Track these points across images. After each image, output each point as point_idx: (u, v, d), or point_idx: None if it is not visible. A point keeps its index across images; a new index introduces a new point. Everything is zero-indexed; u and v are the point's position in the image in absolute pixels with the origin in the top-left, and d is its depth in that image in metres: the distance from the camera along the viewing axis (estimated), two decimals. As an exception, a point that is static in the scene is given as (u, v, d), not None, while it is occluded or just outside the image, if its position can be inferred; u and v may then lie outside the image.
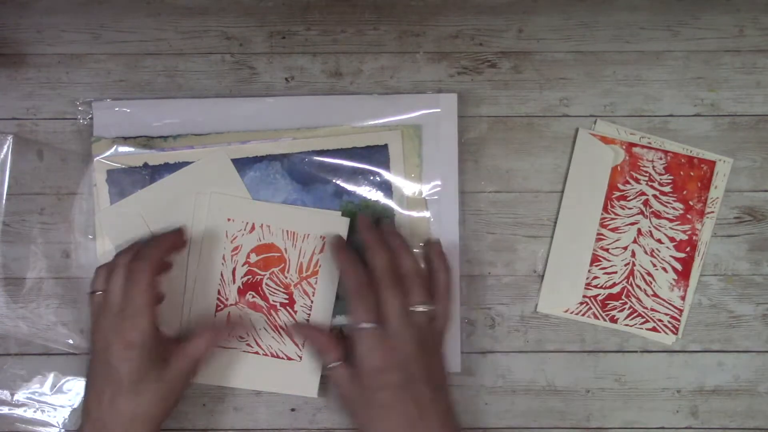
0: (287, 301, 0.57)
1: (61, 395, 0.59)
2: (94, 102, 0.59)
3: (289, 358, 0.57)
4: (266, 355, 0.57)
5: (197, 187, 0.58)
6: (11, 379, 0.59)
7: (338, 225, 0.57)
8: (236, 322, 0.57)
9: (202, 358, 0.53)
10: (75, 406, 0.59)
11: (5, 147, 0.59)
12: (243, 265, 0.57)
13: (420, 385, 0.50)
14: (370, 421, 0.50)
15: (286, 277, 0.57)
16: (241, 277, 0.57)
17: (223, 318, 0.57)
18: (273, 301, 0.57)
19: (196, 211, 0.57)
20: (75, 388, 0.59)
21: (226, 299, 0.57)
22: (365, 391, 0.50)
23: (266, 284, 0.57)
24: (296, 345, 0.57)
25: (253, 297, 0.57)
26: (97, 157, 0.58)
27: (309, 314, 0.57)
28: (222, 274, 0.57)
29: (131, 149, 0.58)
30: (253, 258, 0.57)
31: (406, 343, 0.50)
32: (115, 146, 0.58)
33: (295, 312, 0.57)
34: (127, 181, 0.58)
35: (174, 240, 0.55)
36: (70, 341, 0.59)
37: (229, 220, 0.56)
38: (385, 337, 0.50)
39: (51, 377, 0.59)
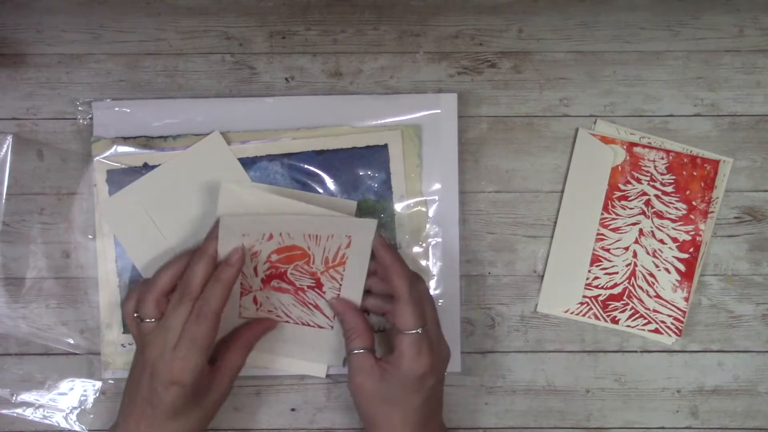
0: (314, 284, 0.55)
1: (61, 395, 0.59)
2: (94, 102, 0.59)
3: (321, 327, 0.56)
4: (297, 323, 0.56)
5: (195, 171, 0.58)
6: (11, 379, 0.59)
7: (365, 227, 0.52)
8: (261, 321, 0.56)
9: (238, 371, 0.54)
10: (75, 405, 0.59)
11: (5, 147, 0.59)
12: (264, 263, 0.54)
13: (441, 387, 0.54)
14: (385, 415, 0.51)
15: (311, 267, 0.54)
16: (264, 272, 0.54)
17: (247, 322, 0.56)
18: (299, 284, 0.55)
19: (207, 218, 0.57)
20: (75, 388, 0.59)
21: (250, 287, 0.55)
22: (395, 389, 0.50)
23: (291, 274, 0.54)
24: (327, 317, 0.56)
25: (279, 283, 0.55)
26: (97, 157, 0.58)
27: (338, 294, 0.55)
28: (243, 272, 0.53)
29: (131, 149, 0.58)
30: (275, 257, 0.54)
31: (443, 349, 0.53)
32: (115, 146, 0.58)
33: (324, 292, 0.55)
34: (127, 181, 0.58)
35: (236, 275, 0.52)
36: (70, 341, 0.59)
37: (244, 235, 0.52)
38: (429, 342, 0.51)
39: (51, 377, 0.59)
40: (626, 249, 0.60)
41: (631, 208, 0.60)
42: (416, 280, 0.53)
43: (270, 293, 0.55)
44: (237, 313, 0.56)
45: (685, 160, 0.60)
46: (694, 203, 0.60)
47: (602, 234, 0.60)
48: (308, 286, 0.55)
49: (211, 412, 0.52)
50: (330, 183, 0.58)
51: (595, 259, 0.60)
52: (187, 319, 0.49)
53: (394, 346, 0.51)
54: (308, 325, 0.56)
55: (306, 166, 0.58)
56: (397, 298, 0.51)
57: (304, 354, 0.57)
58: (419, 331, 0.50)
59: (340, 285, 0.54)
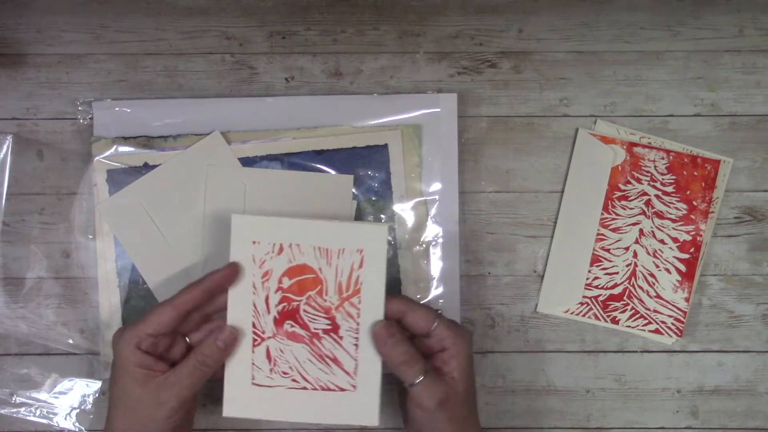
0: (330, 327, 0.51)
1: (61, 395, 0.59)
2: (94, 102, 0.59)
3: (342, 389, 0.51)
4: (315, 389, 0.52)
5: (195, 171, 0.58)
6: (11, 379, 0.59)
7: (376, 236, 0.51)
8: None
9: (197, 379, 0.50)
10: (75, 405, 0.59)
11: (5, 147, 0.59)
12: (276, 292, 0.51)
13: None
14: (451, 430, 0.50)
15: (325, 300, 0.51)
16: (276, 306, 0.51)
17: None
18: (314, 328, 0.51)
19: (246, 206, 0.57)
20: (75, 388, 0.59)
21: (263, 332, 0.51)
22: (457, 403, 0.50)
23: (304, 310, 0.51)
24: (347, 373, 0.51)
25: (292, 326, 0.51)
26: (97, 157, 0.58)
27: (356, 338, 0.51)
28: (255, 305, 0.51)
29: (131, 149, 0.58)
30: (286, 282, 0.51)
31: (466, 336, 0.53)
32: (115, 146, 0.58)
33: (341, 338, 0.51)
34: (127, 181, 0.58)
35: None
36: (70, 341, 0.59)
37: (254, 243, 0.50)
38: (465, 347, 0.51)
39: (51, 377, 0.59)
40: (626, 249, 0.60)
41: (631, 208, 0.60)
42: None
43: (284, 343, 0.51)
44: (249, 378, 0.52)
45: (686, 160, 0.60)
46: (694, 203, 0.60)
47: (602, 234, 0.60)
48: (324, 330, 0.51)
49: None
50: (330, 183, 0.58)
51: (596, 259, 0.60)
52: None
53: (441, 364, 0.50)
54: (327, 389, 0.52)
55: (306, 167, 0.58)
56: (426, 319, 0.50)
57: (331, 419, 0.52)
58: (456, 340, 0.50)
59: (358, 325, 0.51)
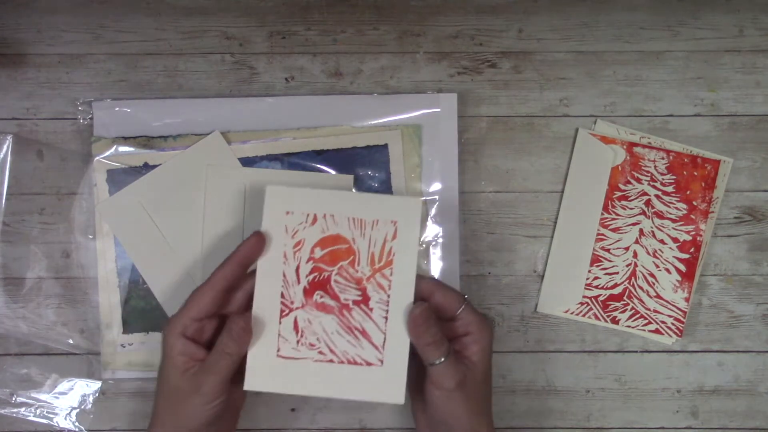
0: (360, 298, 0.50)
1: (61, 395, 0.59)
2: (94, 102, 0.59)
3: (369, 363, 0.50)
4: (342, 362, 0.50)
5: (195, 171, 0.58)
6: (11, 379, 0.59)
7: (410, 209, 0.51)
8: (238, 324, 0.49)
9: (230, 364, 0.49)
10: (75, 405, 0.59)
11: (5, 147, 0.59)
12: (307, 262, 0.50)
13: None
14: (466, 413, 0.50)
15: (357, 271, 0.50)
16: (306, 276, 0.50)
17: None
18: (344, 299, 0.51)
19: (247, 204, 0.57)
20: (75, 388, 0.59)
21: (291, 302, 0.50)
22: (477, 392, 0.50)
23: (335, 281, 0.51)
24: (375, 347, 0.50)
25: (322, 297, 0.51)
26: (97, 157, 0.58)
27: (386, 310, 0.50)
28: (285, 274, 0.50)
29: (131, 149, 0.58)
30: (318, 253, 0.50)
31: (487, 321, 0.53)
32: (115, 146, 0.58)
33: (371, 309, 0.50)
34: (128, 181, 0.58)
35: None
36: (70, 341, 0.59)
37: (287, 213, 0.50)
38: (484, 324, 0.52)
39: (51, 377, 0.59)
40: (626, 249, 0.60)
41: (631, 208, 0.60)
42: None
43: (313, 314, 0.50)
44: (275, 349, 0.50)
45: (686, 160, 0.60)
46: (694, 203, 0.60)
47: (602, 234, 0.60)
48: (354, 301, 0.51)
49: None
50: (330, 183, 0.58)
51: (595, 259, 0.60)
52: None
53: (462, 348, 0.50)
54: (354, 363, 0.50)
55: (306, 167, 0.58)
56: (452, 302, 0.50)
57: (356, 394, 0.51)
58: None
59: (388, 297, 0.50)
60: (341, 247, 0.51)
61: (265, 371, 0.50)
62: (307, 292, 0.50)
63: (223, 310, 0.50)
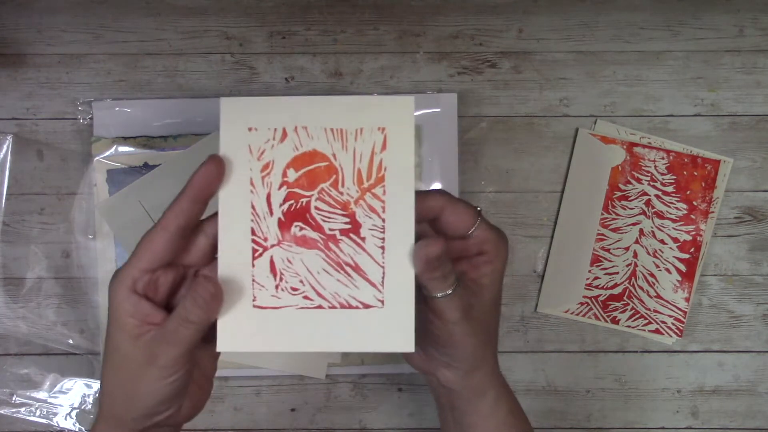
0: (349, 227, 0.41)
1: (61, 395, 0.59)
2: (94, 102, 0.59)
3: (367, 305, 0.41)
4: (333, 307, 0.41)
5: (193, 171, 0.57)
6: (11, 379, 0.59)
7: (401, 110, 0.41)
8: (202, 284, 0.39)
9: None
10: (75, 405, 0.59)
11: (5, 147, 0.59)
12: (280, 188, 0.41)
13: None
14: (478, 344, 0.43)
15: (341, 194, 0.41)
16: (280, 205, 0.41)
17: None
18: (330, 229, 0.41)
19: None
20: (75, 388, 0.59)
21: (265, 239, 0.41)
22: (483, 320, 0.43)
23: (316, 208, 0.41)
24: (373, 285, 0.41)
25: (302, 229, 0.41)
26: (97, 157, 0.58)
27: (383, 238, 0.41)
28: (253, 206, 0.41)
29: (131, 149, 0.58)
30: (292, 175, 0.41)
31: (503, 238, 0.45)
32: (115, 146, 0.58)
33: (363, 239, 0.41)
34: (128, 181, 0.58)
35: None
36: (70, 341, 0.59)
37: (250, 130, 0.41)
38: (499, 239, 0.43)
39: (51, 377, 0.59)
40: (626, 249, 0.60)
41: (631, 208, 0.60)
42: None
43: (292, 251, 0.41)
44: (249, 299, 0.41)
45: (686, 160, 0.60)
46: (694, 203, 0.60)
47: (602, 234, 0.60)
48: (341, 231, 0.41)
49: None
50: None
51: (596, 259, 0.60)
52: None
53: (469, 268, 0.42)
54: (349, 306, 0.41)
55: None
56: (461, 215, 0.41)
57: (355, 344, 0.42)
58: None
59: (383, 221, 0.41)
60: (320, 166, 0.41)
61: (241, 327, 0.41)
62: (283, 225, 0.41)
63: (182, 260, 0.41)
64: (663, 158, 0.60)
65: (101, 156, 0.58)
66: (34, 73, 0.60)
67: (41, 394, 0.59)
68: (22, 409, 0.59)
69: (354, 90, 0.60)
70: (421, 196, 0.41)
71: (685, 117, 0.60)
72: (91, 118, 0.59)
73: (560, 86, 0.60)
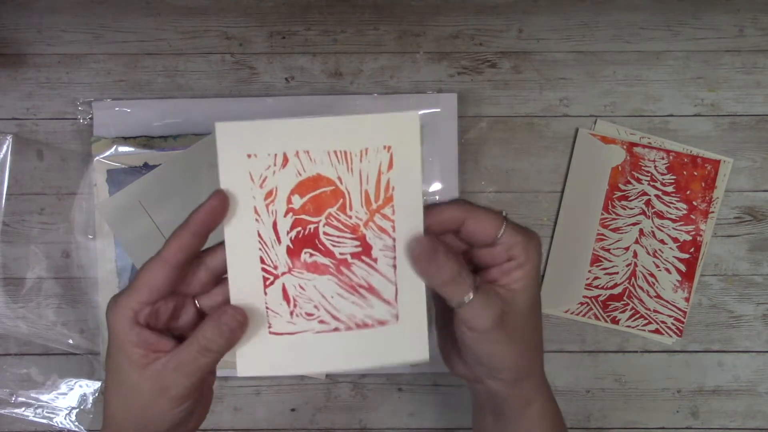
0: (360, 249, 0.40)
1: (61, 395, 0.59)
2: (94, 102, 0.59)
3: (382, 322, 0.41)
4: (350, 328, 0.41)
5: (195, 171, 0.58)
6: (11, 379, 0.59)
7: (406, 127, 0.40)
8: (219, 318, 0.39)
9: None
10: (75, 405, 0.59)
11: (5, 147, 0.59)
12: (286, 215, 0.40)
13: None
14: (511, 352, 0.41)
15: (350, 217, 0.40)
16: (288, 233, 0.40)
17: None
18: (340, 254, 0.40)
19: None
20: (75, 388, 0.59)
21: (275, 266, 0.40)
22: (521, 326, 0.40)
23: (324, 233, 0.40)
24: (387, 303, 0.41)
25: (312, 255, 0.40)
26: (97, 157, 0.58)
27: (394, 257, 0.40)
28: (260, 234, 0.40)
29: (131, 149, 0.58)
30: (297, 201, 0.40)
31: (535, 240, 0.43)
32: (115, 146, 0.58)
33: (375, 260, 0.40)
34: (127, 181, 0.58)
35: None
36: (70, 341, 0.59)
37: (249, 156, 0.39)
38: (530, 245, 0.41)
39: (51, 377, 0.59)
40: (626, 249, 0.60)
41: (631, 208, 0.60)
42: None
43: (304, 278, 0.41)
44: (265, 326, 0.41)
45: (686, 160, 0.60)
46: (694, 203, 0.60)
47: (602, 234, 0.60)
48: (353, 254, 0.41)
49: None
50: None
51: (596, 259, 0.60)
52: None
53: (499, 275, 0.40)
54: (365, 326, 0.41)
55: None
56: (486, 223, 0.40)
57: (372, 360, 0.42)
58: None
59: (394, 240, 0.40)
60: (325, 191, 0.40)
61: (260, 354, 0.41)
62: (292, 252, 0.40)
63: (182, 290, 0.41)
64: (663, 158, 0.60)
65: (101, 156, 0.58)
66: (34, 73, 0.60)
67: (41, 394, 0.59)
68: (22, 409, 0.59)
69: (354, 90, 0.60)
70: (438, 208, 0.40)
71: (685, 117, 0.60)
72: (91, 118, 0.59)
73: (560, 86, 0.60)
